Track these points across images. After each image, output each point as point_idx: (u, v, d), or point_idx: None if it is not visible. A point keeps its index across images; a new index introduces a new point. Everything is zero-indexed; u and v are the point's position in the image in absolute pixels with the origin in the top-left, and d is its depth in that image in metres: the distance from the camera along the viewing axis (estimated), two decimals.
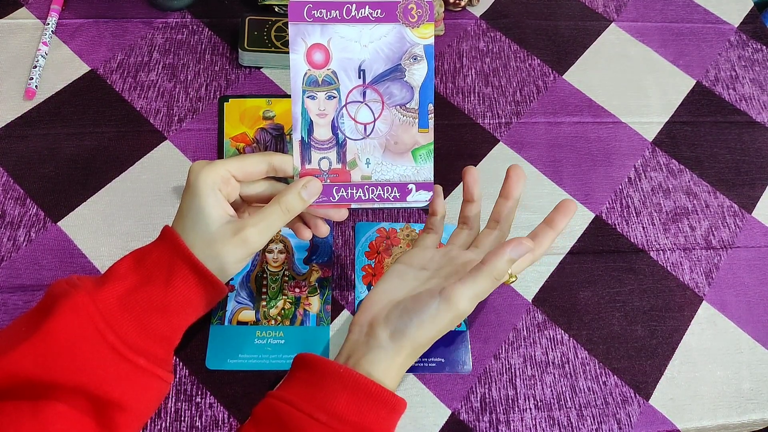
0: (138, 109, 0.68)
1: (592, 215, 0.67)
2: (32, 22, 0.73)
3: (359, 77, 0.48)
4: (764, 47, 0.85)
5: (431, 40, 0.48)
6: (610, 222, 0.67)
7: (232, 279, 0.58)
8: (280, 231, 0.61)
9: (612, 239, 0.66)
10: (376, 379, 0.43)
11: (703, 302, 0.63)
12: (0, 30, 0.72)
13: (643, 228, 0.67)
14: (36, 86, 0.68)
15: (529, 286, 0.62)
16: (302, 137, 0.48)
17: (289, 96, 0.71)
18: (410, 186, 0.49)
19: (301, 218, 0.51)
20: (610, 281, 0.63)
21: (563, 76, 0.78)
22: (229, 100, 0.70)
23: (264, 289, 0.58)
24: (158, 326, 0.43)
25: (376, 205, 0.49)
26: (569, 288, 0.62)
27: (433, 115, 0.49)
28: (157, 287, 0.43)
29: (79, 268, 0.58)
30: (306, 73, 0.48)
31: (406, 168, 0.49)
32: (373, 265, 0.61)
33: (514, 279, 0.47)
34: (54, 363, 0.40)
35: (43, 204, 0.61)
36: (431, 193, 0.50)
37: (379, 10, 0.48)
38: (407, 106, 0.49)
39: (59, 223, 0.60)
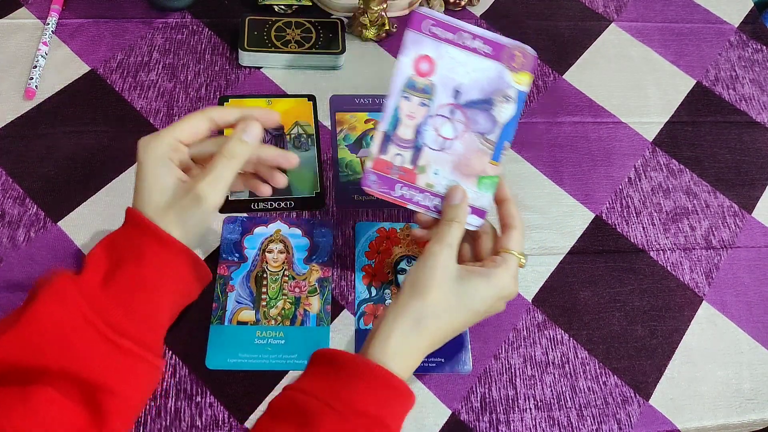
0: (138, 109, 0.68)
1: (592, 215, 0.67)
2: (32, 22, 0.73)
3: (453, 96, 0.52)
4: (764, 47, 0.85)
5: (526, 88, 0.52)
6: (610, 222, 0.67)
7: (228, 273, 0.58)
8: (280, 231, 0.61)
9: (612, 239, 0.66)
10: (373, 356, 0.44)
11: (703, 302, 0.63)
12: (0, 30, 0.72)
13: (643, 228, 0.67)
14: (36, 86, 0.68)
15: (529, 286, 0.62)
16: (386, 130, 0.51)
17: (288, 96, 0.71)
18: (467, 208, 0.51)
19: (257, 176, 0.52)
20: (610, 281, 0.63)
21: (563, 76, 0.78)
22: (229, 100, 0.70)
23: (264, 289, 0.58)
24: (140, 305, 0.44)
25: (429, 213, 0.52)
26: (569, 288, 0.62)
27: (507, 152, 0.52)
28: (131, 266, 0.44)
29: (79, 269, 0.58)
30: (409, 77, 0.51)
31: (468, 190, 0.51)
32: (373, 265, 0.61)
33: (524, 261, 0.50)
34: (40, 347, 0.40)
35: (43, 204, 0.61)
36: (483, 221, 0.52)
37: (489, 47, 0.51)
38: (487, 136, 0.52)
39: (59, 223, 0.60)
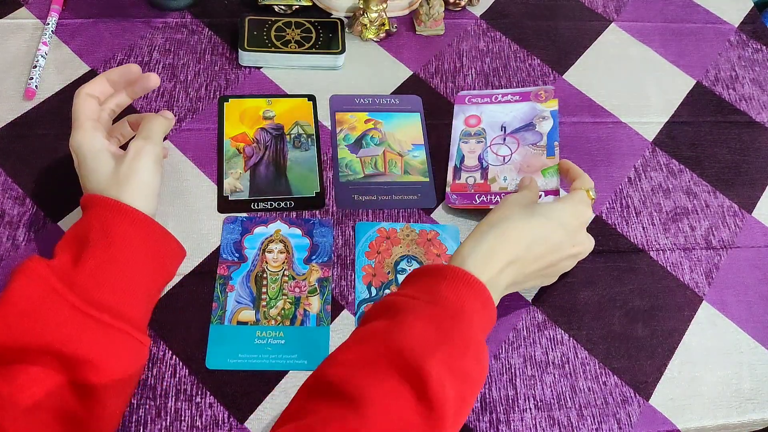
0: (138, 109, 0.68)
1: (592, 215, 0.67)
2: (32, 22, 0.73)
3: (501, 130, 0.68)
4: (764, 47, 0.85)
5: (556, 108, 0.68)
6: (610, 222, 0.67)
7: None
8: (280, 231, 0.61)
9: (612, 239, 0.66)
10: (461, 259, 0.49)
11: (703, 302, 0.63)
12: (0, 30, 0.72)
13: (643, 228, 0.67)
14: (36, 86, 0.68)
15: None
16: (455, 165, 0.67)
17: (288, 96, 0.71)
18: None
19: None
20: (610, 281, 0.63)
21: (563, 76, 0.78)
22: (229, 100, 0.70)
23: (264, 289, 0.58)
24: (113, 280, 0.44)
25: None
26: (569, 288, 0.62)
27: (558, 149, 0.65)
28: (99, 243, 0.45)
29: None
30: (462, 130, 0.69)
31: (536, 180, 0.62)
32: (373, 265, 0.61)
33: (593, 194, 0.58)
34: (18, 326, 0.41)
35: (43, 204, 0.61)
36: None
37: (518, 96, 0.70)
38: (537, 144, 0.66)
39: (59, 223, 0.60)
